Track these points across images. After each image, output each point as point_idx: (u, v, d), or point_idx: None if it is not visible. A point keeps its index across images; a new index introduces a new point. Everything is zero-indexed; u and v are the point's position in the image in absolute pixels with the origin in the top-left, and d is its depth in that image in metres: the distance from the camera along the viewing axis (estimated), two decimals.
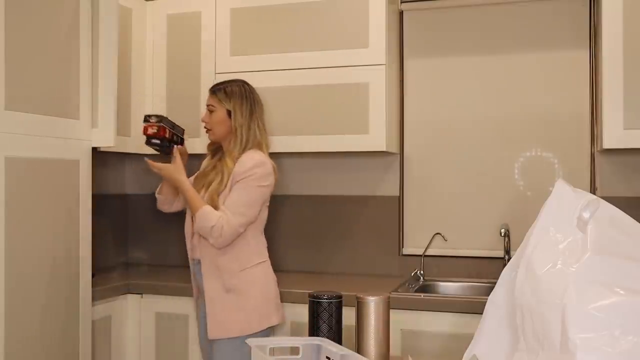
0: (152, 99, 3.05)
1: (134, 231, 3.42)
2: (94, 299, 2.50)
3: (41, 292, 2.21)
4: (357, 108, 2.74)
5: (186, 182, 2.39)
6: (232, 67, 2.91)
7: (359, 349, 1.54)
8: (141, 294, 2.78)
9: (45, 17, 2.25)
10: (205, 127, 2.47)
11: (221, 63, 2.93)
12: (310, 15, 2.80)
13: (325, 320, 1.56)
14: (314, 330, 1.57)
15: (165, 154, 2.49)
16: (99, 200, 2.77)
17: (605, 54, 2.46)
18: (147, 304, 2.78)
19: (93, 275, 2.52)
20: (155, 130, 2.41)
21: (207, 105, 2.46)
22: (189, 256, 2.48)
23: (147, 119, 2.43)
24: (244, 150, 2.38)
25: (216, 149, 2.53)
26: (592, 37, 2.80)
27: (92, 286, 2.49)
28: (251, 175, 2.32)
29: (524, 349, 1.14)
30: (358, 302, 1.56)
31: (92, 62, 2.47)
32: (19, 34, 2.12)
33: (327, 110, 2.78)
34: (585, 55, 2.82)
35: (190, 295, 2.70)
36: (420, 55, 3.03)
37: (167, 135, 2.45)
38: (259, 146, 2.42)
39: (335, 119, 2.76)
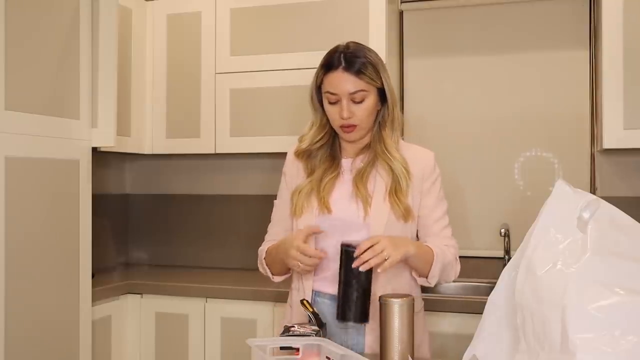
0: (152, 99, 3.05)
1: (134, 231, 3.42)
2: (94, 299, 2.50)
3: (41, 292, 2.21)
4: None
5: (413, 248, 1.64)
6: (232, 67, 2.91)
7: (382, 352, 1.51)
8: (141, 294, 2.78)
9: (45, 17, 2.24)
10: (344, 127, 1.73)
11: (221, 63, 2.93)
12: (310, 15, 2.80)
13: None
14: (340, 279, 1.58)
15: None
16: (99, 200, 2.77)
17: (605, 54, 2.46)
18: (147, 304, 2.77)
19: (93, 276, 2.52)
20: None
21: (353, 94, 1.68)
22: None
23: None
24: (399, 136, 1.80)
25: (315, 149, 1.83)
26: (592, 37, 2.80)
27: (92, 286, 2.49)
28: (439, 176, 1.82)
29: (524, 350, 1.14)
30: (381, 304, 1.52)
31: (92, 62, 2.46)
32: (19, 34, 2.12)
33: None
34: (585, 55, 2.82)
35: (190, 295, 2.70)
36: (420, 55, 3.03)
37: None
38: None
39: None
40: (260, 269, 1.88)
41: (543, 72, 2.87)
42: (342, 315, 1.60)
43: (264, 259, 1.83)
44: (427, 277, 1.71)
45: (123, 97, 2.83)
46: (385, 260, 1.54)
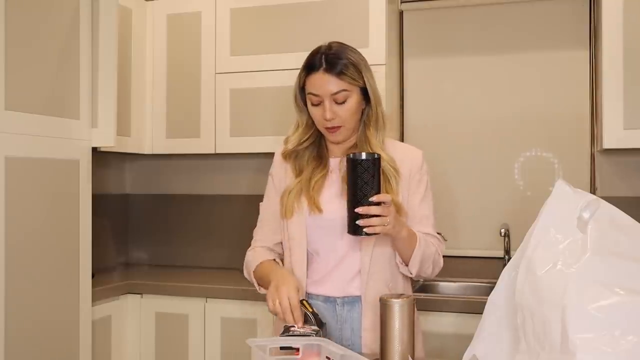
0: (152, 99, 3.05)
1: (134, 231, 3.42)
2: (94, 299, 2.50)
3: (41, 292, 2.21)
4: None
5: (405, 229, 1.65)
6: (232, 67, 2.91)
7: (382, 352, 1.50)
8: (141, 294, 2.78)
9: (45, 17, 2.25)
10: (329, 127, 1.71)
11: (221, 63, 2.93)
12: (310, 15, 2.80)
13: (366, 180, 1.49)
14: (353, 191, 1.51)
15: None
16: (99, 200, 2.77)
17: (605, 54, 2.46)
18: (147, 304, 2.78)
19: (93, 276, 2.52)
20: None
21: (335, 94, 1.67)
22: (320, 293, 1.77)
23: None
24: (384, 135, 1.78)
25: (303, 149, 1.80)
26: (592, 37, 2.80)
27: (92, 286, 2.49)
28: (427, 174, 1.81)
29: (524, 350, 1.14)
30: (382, 304, 1.50)
31: (92, 62, 2.47)
32: (19, 34, 2.12)
33: None
34: (585, 55, 2.82)
35: (190, 295, 2.70)
36: (420, 55, 3.03)
37: None
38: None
39: None
40: (245, 275, 1.84)
41: (543, 72, 2.87)
42: (354, 229, 1.54)
43: (253, 272, 1.79)
44: (408, 264, 1.70)
45: (123, 97, 2.83)
46: (384, 226, 1.53)
